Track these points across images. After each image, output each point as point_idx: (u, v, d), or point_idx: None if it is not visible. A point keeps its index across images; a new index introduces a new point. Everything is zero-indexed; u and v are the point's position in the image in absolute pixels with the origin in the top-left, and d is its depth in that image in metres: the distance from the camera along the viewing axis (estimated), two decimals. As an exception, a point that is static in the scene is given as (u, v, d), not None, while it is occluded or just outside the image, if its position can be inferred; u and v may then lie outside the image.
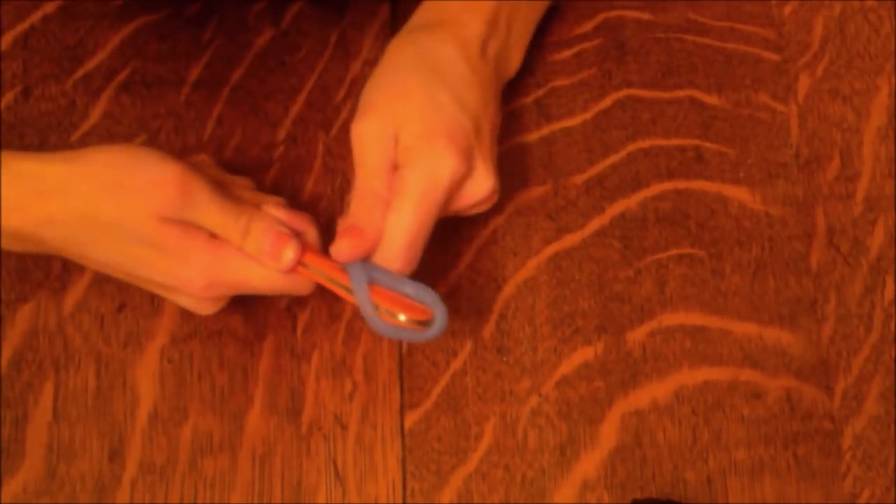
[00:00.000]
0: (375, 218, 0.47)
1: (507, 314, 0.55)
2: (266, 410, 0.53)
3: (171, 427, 0.52)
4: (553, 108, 0.59)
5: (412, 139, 0.47)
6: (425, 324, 0.47)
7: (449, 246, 0.56)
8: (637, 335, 0.55)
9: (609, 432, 0.53)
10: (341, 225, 0.48)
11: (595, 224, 0.57)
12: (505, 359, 0.54)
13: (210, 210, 0.46)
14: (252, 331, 0.54)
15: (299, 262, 0.47)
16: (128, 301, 0.54)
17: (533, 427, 0.53)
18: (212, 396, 0.53)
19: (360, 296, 0.47)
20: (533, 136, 0.58)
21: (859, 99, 0.60)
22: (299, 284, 0.48)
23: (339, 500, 0.52)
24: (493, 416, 0.54)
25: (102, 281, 0.54)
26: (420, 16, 0.53)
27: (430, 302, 0.47)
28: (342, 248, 0.47)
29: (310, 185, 0.57)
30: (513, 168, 0.57)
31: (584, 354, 0.55)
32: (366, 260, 0.47)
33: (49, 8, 0.59)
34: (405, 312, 0.47)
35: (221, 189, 0.47)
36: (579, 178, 0.57)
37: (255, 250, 0.47)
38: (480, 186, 0.49)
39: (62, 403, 0.53)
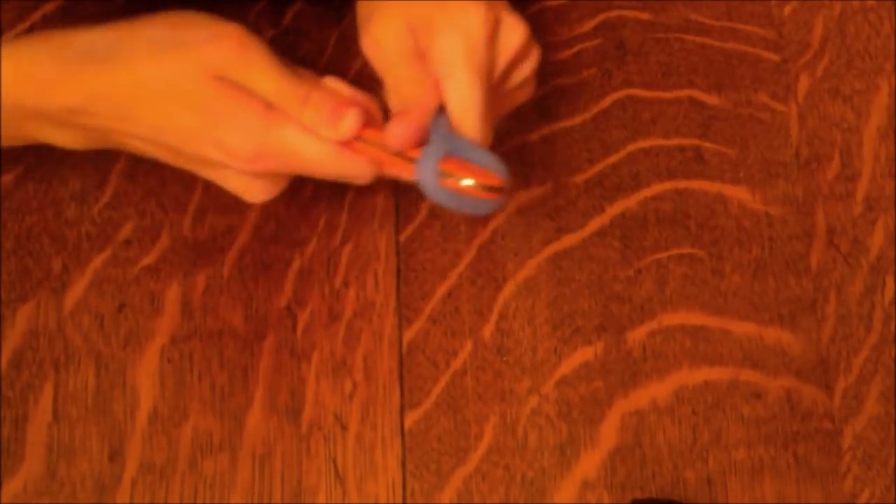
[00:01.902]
0: (421, 97, 0.46)
1: (507, 314, 0.55)
2: (266, 410, 0.53)
3: (171, 427, 0.52)
4: (553, 108, 0.59)
5: (429, 12, 0.45)
6: (498, 190, 0.45)
7: (449, 246, 0.56)
8: (637, 335, 0.55)
9: (609, 432, 0.53)
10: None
11: (595, 224, 0.57)
12: (505, 359, 0.54)
13: (269, 72, 0.44)
14: (252, 331, 0.54)
15: (359, 138, 0.45)
16: (128, 301, 0.54)
17: (533, 427, 0.53)
18: (212, 396, 0.53)
19: (427, 158, 0.45)
20: (533, 136, 0.58)
21: (859, 99, 0.60)
22: (355, 166, 0.46)
23: (339, 500, 0.52)
24: (493, 416, 0.54)
25: (102, 281, 0.54)
26: None
27: (505, 172, 0.45)
28: (394, 132, 0.45)
29: (310, 185, 0.57)
30: (513, 168, 0.57)
31: (584, 354, 0.55)
32: (446, 133, 0.45)
33: (49, 8, 0.59)
34: (475, 177, 0.45)
35: (280, 57, 0.45)
36: (579, 178, 0.57)
37: (313, 118, 0.44)
38: (513, 33, 0.46)
39: (62, 403, 0.53)
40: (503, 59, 0.47)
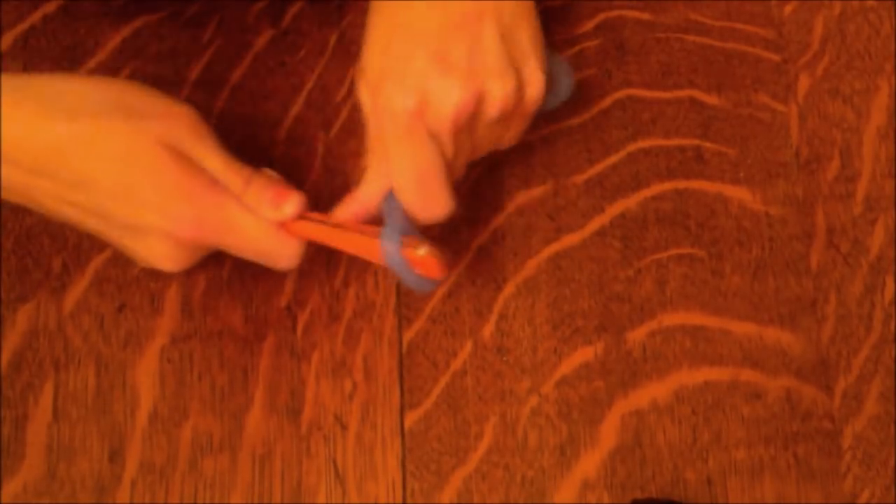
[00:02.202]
0: (372, 182, 0.48)
1: (507, 314, 0.55)
2: (266, 410, 0.53)
3: (171, 427, 0.52)
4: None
5: (374, 89, 0.46)
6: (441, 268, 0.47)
7: (449, 246, 0.56)
8: (637, 335, 0.55)
9: (609, 432, 0.53)
10: None
11: (595, 224, 0.57)
12: (505, 359, 0.54)
13: (216, 153, 0.45)
14: (252, 331, 0.54)
15: (300, 217, 0.47)
16: (128, 301, 0.54)
17: (533, 427, 0.53)
18: (212, 396, 0.53)
19: (390, 231, 0.46)
20: (533, 136, 0.58)
21: (859, 99, 0.60)
22: (287, 247, 0.47)
23: (339, 500, 0.52)
24: (493, 416, 0.54)
25: (102, 281, 0.54)
26: None
27: (442, 255, 0.47)
28: (338, 212, 0.48)
29: (310, 186, 0.57)
30: (513, 168, 0.57)
31: (584, 354, 0.55)
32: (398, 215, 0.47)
33: (49, 8, 0.59)
34: (426, 252, 0.46)
35: (223, 144, 0.47)
36: (579, 178, 0.57)
37: (255, 199, 0.46)
38: (442, 104, 0.45)
39: (62, 403, 0.53)
40: (443, 129, 0.45)
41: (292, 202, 0.46)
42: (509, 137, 0.50)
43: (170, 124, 0.44)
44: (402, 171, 0.46)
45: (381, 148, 0.47)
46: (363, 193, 0.48)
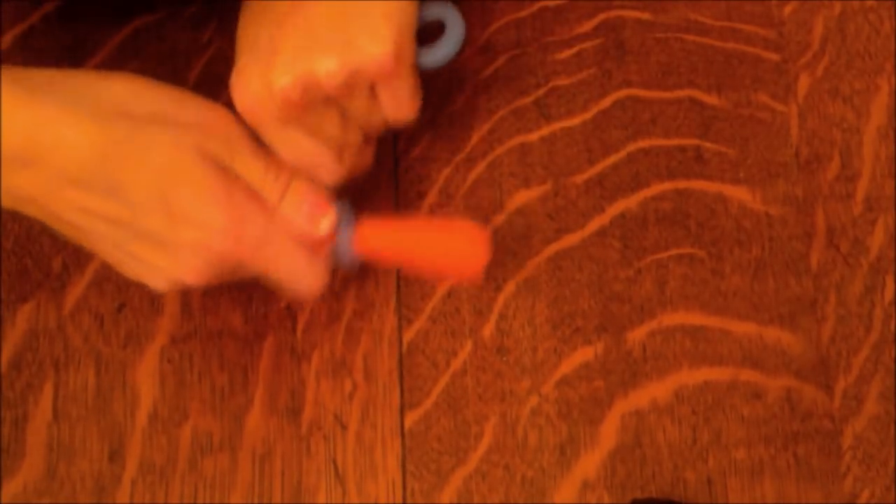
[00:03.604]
0: None
1: (507, 314, 0.55)
2: (266, 410, 0.53)
3: (171, 427, 0.53)
4: (553, 108, 0.59)
5: None
6: None
7: (449, 246, 0.56)
8: (637, 335, 0.55)
9: (609, 432, 0.53)
10: None
11: (595, 224, 0.57)
12: (505, 359, 0.54)
13: (253, 160, 0.44)
14: (252, 331, 0.54)
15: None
16: (128, 301, 0.54)
17: (533, 427, 0.53)
18: (212, 396, 0.53)
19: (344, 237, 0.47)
20: (533, 136, 0.58)
21: (859, 99, 0.59)
22: (312, 269, 0.46)
23: (339, 500, 0.52)
24: (493, 416, 0.54)
25: (102, 281, 0.54)
26: None
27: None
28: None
29: (310, 185, 0.57)
30: (513, 168, 0.57)
31: (584, 354, 0.55)
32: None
33: (49, 8, 0.59)
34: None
35: (261, 144, 0.45)
36: (579, 178, 0.57)
37: (291, 212, 0.45)
38: (270, 87, 0.44)
39: (62, 403, 0.53)
40: (282, 117, 0.45)
41: (328, 217, 0.45)
42: (396, 109, 0.47)
43: (208, 133, 0.43)
44: (281, 156, 0.46)
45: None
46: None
